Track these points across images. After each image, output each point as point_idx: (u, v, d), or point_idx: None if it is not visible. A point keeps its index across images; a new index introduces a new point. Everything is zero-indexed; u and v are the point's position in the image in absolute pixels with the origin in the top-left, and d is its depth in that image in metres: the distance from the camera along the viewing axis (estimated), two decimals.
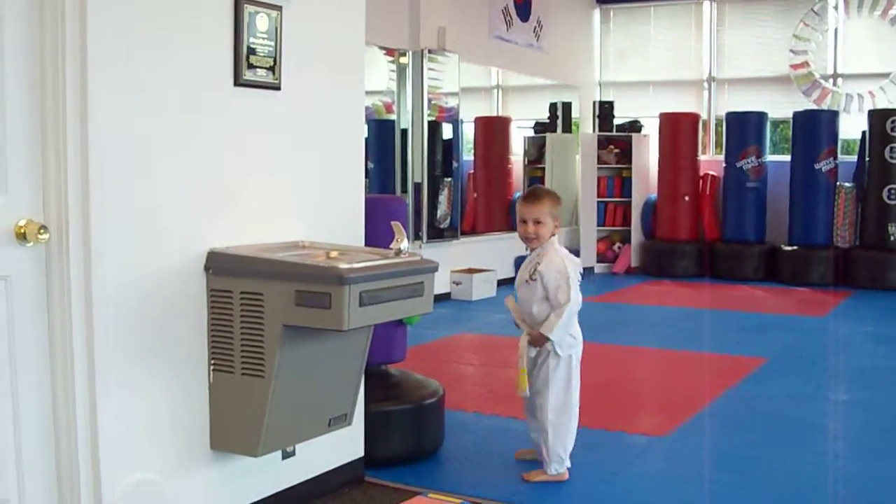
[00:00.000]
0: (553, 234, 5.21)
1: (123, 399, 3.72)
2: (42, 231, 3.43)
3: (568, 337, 5.12)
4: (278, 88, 4.37)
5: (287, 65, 4.39)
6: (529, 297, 5.16)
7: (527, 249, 5.34)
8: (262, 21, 4.22)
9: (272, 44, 4.29)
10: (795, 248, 13.92)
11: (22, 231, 3.41)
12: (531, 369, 5.19)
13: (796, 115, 14.11)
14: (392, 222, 4.18)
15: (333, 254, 4.14)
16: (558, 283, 5.06)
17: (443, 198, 12.17)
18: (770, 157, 14.58)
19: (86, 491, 3.64)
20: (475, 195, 14.87)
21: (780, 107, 14.76)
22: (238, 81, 4.16)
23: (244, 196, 4.24)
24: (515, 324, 5.28)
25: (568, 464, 5.21)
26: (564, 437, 5.16)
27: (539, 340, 5.08)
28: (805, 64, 14.62)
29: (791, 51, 14.69)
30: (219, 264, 4.03)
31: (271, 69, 4.31)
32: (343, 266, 3.78)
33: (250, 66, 4.19)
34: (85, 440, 3.62)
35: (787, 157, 14.32)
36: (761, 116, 14.45)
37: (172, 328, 3.93)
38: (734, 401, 7.06)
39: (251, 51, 4.18)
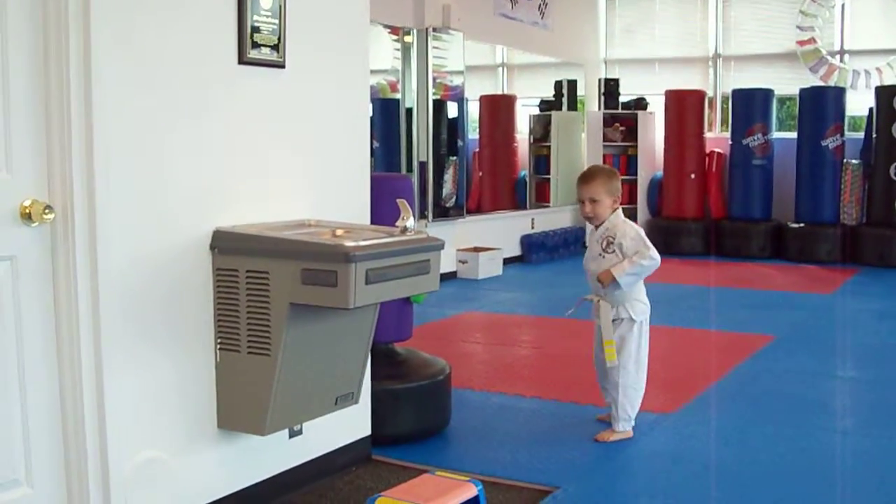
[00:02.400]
0: (615, 209, 5.50)
1: (130, 378, 3.72)
2: (47, 211, 3.42)
3: (640, 304, 5.54)
4: (283, 67, 4.36)
5: (291, 43, 4.38)
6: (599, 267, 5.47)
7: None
8: None
9: (276, 22, 4.27)
10: (802, 225, 13.91)
11: (27, 211, 3.41)
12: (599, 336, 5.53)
13: (803, 91, 14.07)
14: (398, 200, 4.16)
15: (339, 232, 4.13)
16: (637, 246, 5.43)
17: (448, 176, 12.16)
18: (776, 135, 14.55)
19: (93, 470, 3.64)
20: (480, 174, 14.85)
21: (787, 83, 14.73)
22: (242, 60, 4.14)
23: (249, 175, 4.23)
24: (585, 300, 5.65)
25: (633, 423, 5.57)
26: (633, 398, 5.56)
27: (606, 277, 5.40)
28: (812, 40, 14.57)
29: (798, 27, 14.64)
30: (224, 243, 4.02)
31: (275, 47, 4.29)
32: (349, 244, 3.77)
33: (254, 45, 4.18)
34: (92, 419, 3.62)
35: (794, 135, 14.29)
36: (767, 93, 14.42)
37: (178, 307, 3.93)
38: (741, 378, 7.06)
39: (255, 29, 4.16)
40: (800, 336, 8.66)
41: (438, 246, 4.23)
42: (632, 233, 5.47)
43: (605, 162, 15.00)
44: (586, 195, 5.48)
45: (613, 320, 5.48)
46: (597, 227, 5.55)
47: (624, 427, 5.51)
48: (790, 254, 13.92)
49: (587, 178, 5.55)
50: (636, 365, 5.54)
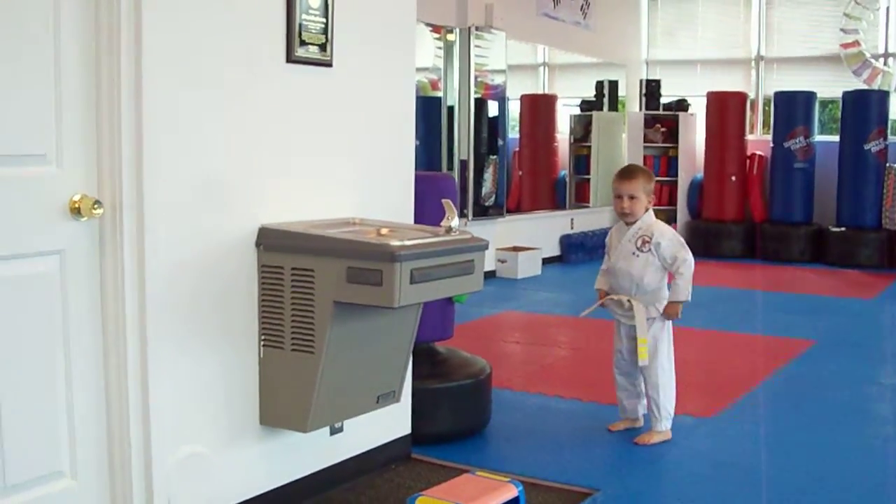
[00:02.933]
0: (648, 209, 5.51)
1: (174, 373, 3.74)
2: (96, 206, 3.44)
3: (667, 302, 5.53)
4: (330, 65, 4.37)
5: (339, 41, 4.38)
6: (643, 268, 5.49)
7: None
8: None
9: (324, 20, 4.29)
10: (843, 229, 13.80)
11: (76, 205, 3.43)
12: (630, 336, 5.56)
13: (846, 95, 13.98)
14: (443, 200, 4.16)
15: (384, 231, 4.13)
16: (676, 249, 5.46)
17: (488, 175, 12.15)
18: (818, 138, 14.44)
19: (137, 463, 3.67)
20: (520, 173, 14.84)
21: (830, 86, 14.64)
22: (290, 58, 4.16)
23: (295, 172, 4.25)
24: (600, 305, 5.68)
25: (671, 422, 5.60)
26: (671, 396, 5.59)
27: (674, 310, 5.52)
28: (856, 43, 14.46)
29: (841, 29, 14.53)
30: (270, 240, 4.03)
31: (323, 46, 4.30)
32: (394, 243, 3.77)
33: (302, 43, 4.19)
34: (136, 414, 3.64)
35: (836, 138, 14.20)
36: (810, 96, 14.33)
37: (223, 304, 3.95)
38: (782, 383, 7.03)
39: (303, 27, 4.17)
40: (841, 341, 8.61)
41: (483, 246, 4.23)
42: (669, 234, 5.52)
43: (645, 163, 14.97)
44: (626, 191, 5.48)
45: (647, 319, 5.49)
46: (628, 224, 5.54)
47: (666, 426, 5.52)
48: (831, 258, 13.82)
49: (628, 174, 5.58)
50: (669, 362, 5.58)
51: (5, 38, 3.19)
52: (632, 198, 5.46)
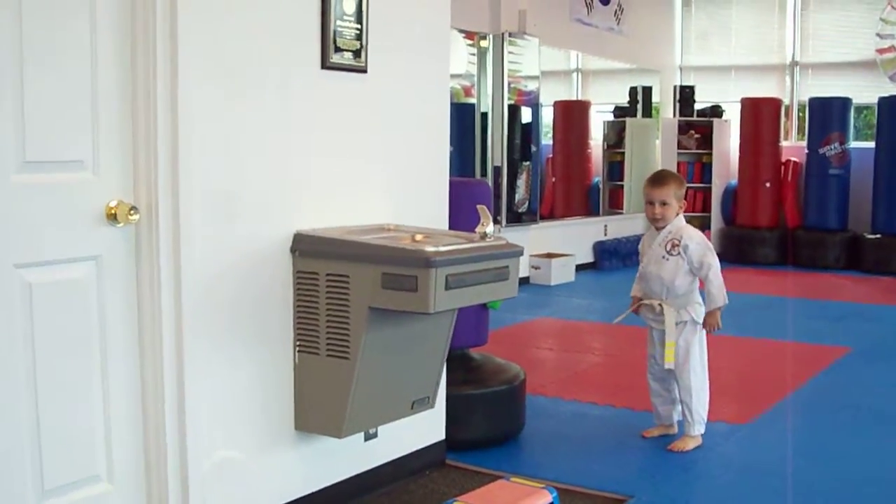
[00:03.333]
0: (678, 214, 5.54)
1: (210, 378, 3.76)
2: (132, 212, 3.47)
3: (699, 306, 5.56)
4: (364, 71, 4.38)
5: (373, 48, 4.40)
6: (673, 271, 5.50)
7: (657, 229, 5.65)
8: (349, 4, 4.23)
9: (358, 27, 4.30)
10: (879, 236, 13.71)
11: (113, 212, 3.45)
12: (663, 341, 5.55)
13: (881, 100, 13.87)
14: (478, 206, 4.16)
15: (419, 237, 4.14)
16: (703, 252, 5.47)
17: (521, 182, 12.15)
18: (854, 144, 14.34)
19: (172, 468, 3.68)
20: (554, 180, 14.81)
21: (865, 92, 14.55)
22: (325, 64, 4.17)
23: (330, 178, 4.26)
24: (633, 311, 5.71)
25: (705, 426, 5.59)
26: (705, 400, 5.58)
27: (714, 319, 5.56)
28: (892, 48, 14.36)
29: (877, 35, 14.43)
30: (305, 246, 4.05)
31: (357, 52, 4.32)
32: (429, 249, 3.78)
33: (337, 50, 4.20)
34: (172, 419, 3.66)
35: (872, 144, 14.09)
36: (845, 102, 14.24)
37: (259, 309, 3.96)
38: (817, 390, 7.00)
39: (338, 34, 4.19)
40: (877, 348, 8.55)
41: (517, 252, 4.22)
42: (697, 237, 5.52)
43: (678, 170, 14.92)
44: (658, 198, 5.51)
45: (677, 323, 5.48)
46: (658, 229, 5.56)
47: (699, 430, 5.51)
48: (866, 265, 13.73)
49: (660, 180, 5.60)
50: (702, 367, 5.57)
51: (42, 47, 3.22)
52: (664, 204, 5.49)
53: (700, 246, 5.47)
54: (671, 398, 5.68)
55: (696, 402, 5.49)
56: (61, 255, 3.35)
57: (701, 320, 5.53)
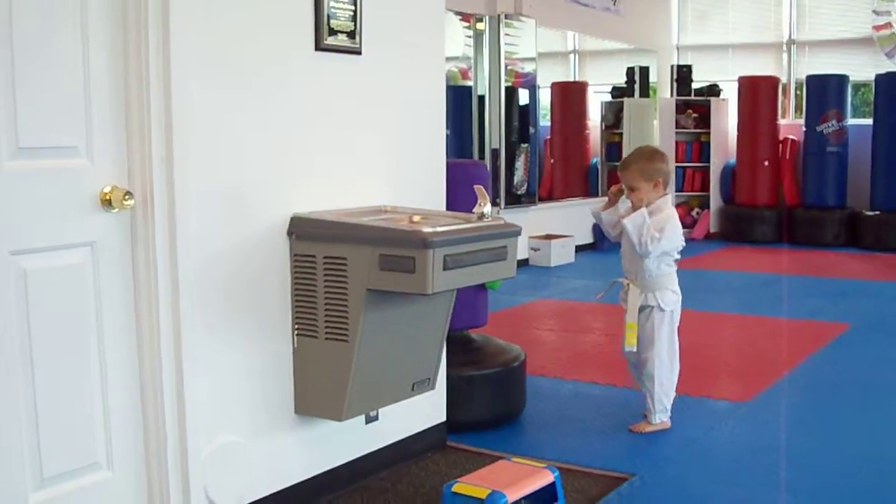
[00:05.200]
0: (662, 195, 5.37)
1: (209, 363, 3.75)
2: (127, 197, 3.45)
3: (670, 293, 5.41)
4: (359, 53, 4.36)
5: (367, 30, 4.38)
6: (632, 247, 5.33)
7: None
8: None
9: (352, 8, 4.28)
10: (877, 213, 13.72)
11: (107, 197, 3.43)
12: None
13: (879, 77, 13.87)
14: (475, 186, 4.15)
15: (416, 218, 4.12)
16: (660, 224, 5.24)
17: (520, 164, 12.15)
18: (851, 121, 14.33)
19: (172, 453, 3.67)
20: (552, 161, 14.80)
21: (862, 69, 14.53)
22: (319, 46, 4.15)
23: (326, 161, 4.25)
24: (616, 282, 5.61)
25: (669, 413, 5.48)
26: (669, 389, 5.46)
27: (614, 196, 5.44)
28: (888, 25, 14.32)
29: (874, 11, 14.39)
30: (302, 229, 4.04)
31: (352, 34, 4.30)
32: (427, 230, 3.77)
33: (331, 31, 4.18)
34: (171, 404, 3.65)
35: (869, 121, 14.09)
36: (842, 79, 14.24)
37: (257, 293, 3.95)
38: (817, 367, 6.99)
39: (331, 15, 4.17)
40: (876, 324, 8.55)
41: (516, 232, 4.21)
42: (664, 215, 5.31)
43: (676, 149, 14.94)
44: (626, 183, 5.35)
45: (642, 307, 5.40)
46: (636, 209, 5.37)
47: (660, 419, 5.44)
48: (865, 242, 13.74)
49: (623, 165, 5.43)
50: (669, 355, 5.44)
51: (34, 33, 3.20)
52: (632, 189, 5.32)
53: (659, 221, 5.26)
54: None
55: (658, 390, 5.40)
56: (56, 242, 3.33)
57: (670, 308, 5.41)
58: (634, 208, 5.32)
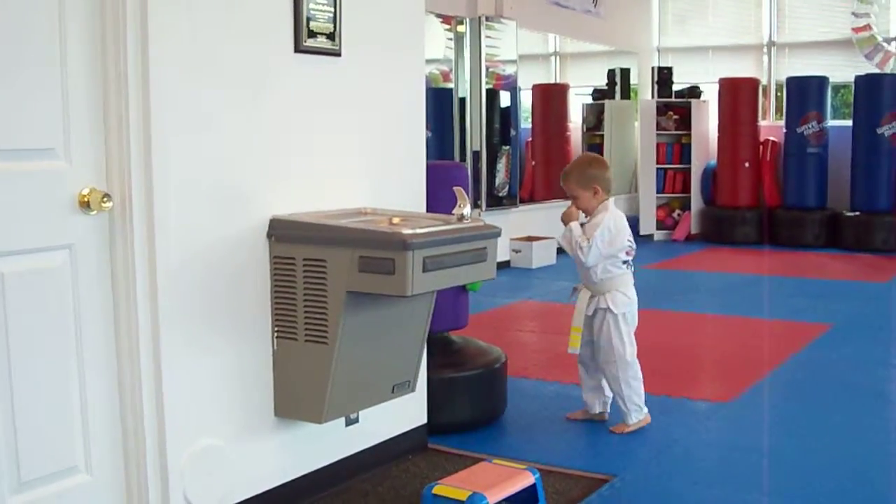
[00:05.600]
0: (602, 200, 5.38)
1: (187, 366, 3.74)
2: (105, 199, 3.44)
3: (621, 296, 5.35)
4: (339, 55, 4.36)
5: (347, 32, 4.37)
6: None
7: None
8: None
9: (332, 10, 4.27)
10: (858, 213, 13.74)
11: (85, 199, 3.42)
12: (588, 325, 5.42)
13: (858, 79, 13.90)
14: (454, 187, 4.16)
15: (396, 220, 4.12)
16: (592, 231, 5.27)
17: (501, 166, 12.14)
18: (831, 122, 14.36)
19: (151, 458, 3.66)
20: (533, 163, 14.81)
21: (842, 71, 14.57)
22: (298, 48, 4.15)
23: (306, 163, 4.24)
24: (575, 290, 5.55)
25: (645, 409, 5.46)
26: (637, 388, 5.41)
27: (567, 217, 5.45)
28: (867, 27, 14.37)
29: (853, 14, 14.43)
30: (281, 231, 4.03)
31: (331, 36, 4.29)
32: (406, 231, 3.76)
33: (311, 33, 4.17)
34: (150, 408, 3.64)
35: (849, 122, 14.11)
36: (822, 81, 14.27)
37: (236, 296, 3.94)
38: (798, 367, 7.00)
39: (311, 17, 4.16)
40: (857, 325, 8.57)
41: (495, 234, 4.22)
42: (597, 222, 5.30)
43: (658, 151, 14.96)
44: (567, 193, 5.44)
45: (596, 311, 5.37)
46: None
47: (637, 418, 5.43)
48: (845, 242, 13.76)
49: (563, 176, 5.49)
50: (626, 357, 5.35)
51: (10, 34, 3.18)
52: (574, 198, 5.39)
53: (592, 227, 5.29)
54: (592, 385, 5.59)
55: (626, 391, 5.37)
56: (34, 245, 3.32)
57: (621, 311, 5.34)
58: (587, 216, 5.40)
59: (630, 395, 5.38)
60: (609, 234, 5.29)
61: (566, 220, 5.40)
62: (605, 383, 5.55)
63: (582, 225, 5.38)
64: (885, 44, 14.35)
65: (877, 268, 12.13)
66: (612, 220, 5.33)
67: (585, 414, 5.64)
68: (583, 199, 5.36)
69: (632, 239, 5.44)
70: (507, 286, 10.53)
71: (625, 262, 5.38)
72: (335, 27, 4.30)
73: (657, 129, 15.15)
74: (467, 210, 4.09)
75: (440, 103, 11.69)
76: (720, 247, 14.14)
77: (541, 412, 5.85)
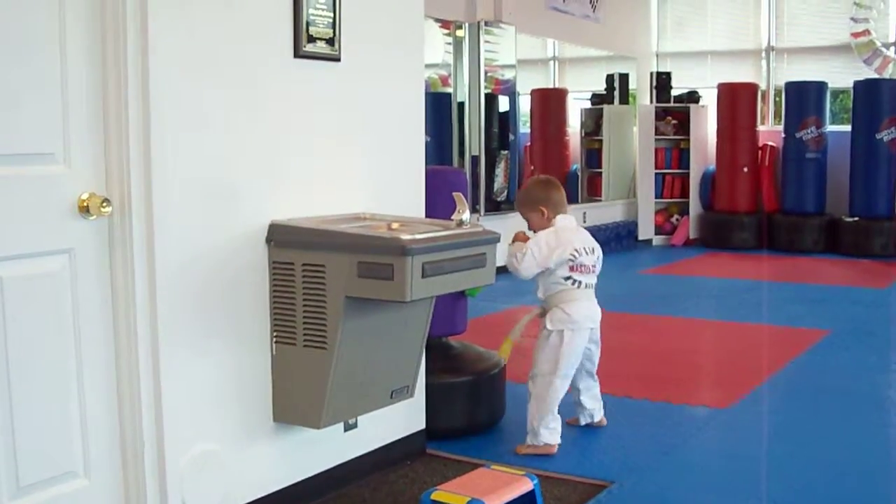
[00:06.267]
0: (552, 216, 5.37)
1: (187, 371, 3.73)
2: (105, 204, 3.43)
3: (560, 313, 5.23)
4: (338, 60, 4.35)
5: (347, 37, 4.37)
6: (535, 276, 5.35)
7: None
8: None
9: (331, 15, 4.27)
10: (856, 219, 13.73)
11: (85, 204, 3.42)
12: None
13: (857, 84, 13.91)
14: (454, 193, 4.15)
15: (395, 225, 4.12)
16: (522, 246, 5.31)
17: (500, 171, 12.14)
18: (830, 128, 14.36)
19: (150, 463, 3.66)
20: (532, 168, 14.80)
21: (841, 76, 14.58)
22: (298, 53, 4.14)
23: (305, 168, 4.24)
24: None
25: (551, 440, 5.18)
26: (543, 412, 5.18)
27: (517, 238, 5.46)
28: (866, 32, 14.37)
29: (852, 18, 14.43)
30: (280, 236, 4.02)
31: (331, 41, 4.29)
32: (405, 237, 3.76)
33: (310, 39, 4.17)
34: (149, 413, 3.64)
35: (848, 128, 14.12)
36: (821, 86, 14.27)
37: (235, 301, 3.94)
38: (797, 373, 7.00)
39: (311, 22, 4.16)
40: (855, 330, 8.56)
41: (494, 239, 4.22)
42: (539, 236, 5.31)
43: (656, 156, 14.98)
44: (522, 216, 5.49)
45: (542, 329, 5.28)
46: None
47: (531, 441, 5.21)
48: (844, 248, 13.74)
49: (516, 204, 5.66)
50: (546, 378, 5.21)
51: (11, 39, 3.18)
52: (527, 222, 5.47)
53: (534, 238, 5.32)
54: (593, 394, 5.58)
55: (532, 410, 5.22)
56: (33, 249, 3.32)
57: (557, 328, 5.20)
58: None
59: (533, 416, 5.21)
60: (546, 247, 5.23)
61: (512, 243, 5.38)
62: (597, 390, 5.56)
63: None
64: (883, 49, 14.35)
65: (875, 273, 12.14)
66: (551, 234, 5.27)
67: (576, 420, 5.59)
68: (533, 221, 5.41)
69: (581, 254, 5.29)
70: (506, 291, 10.44)
71: (568, 279, 5.25)
72: (335, 32, 4.30)
73: (656, 134, 15.15)
74: (466, 215, 4.09)
75: (439, 108, 11.68)
76: (719, 252, 14.14)
77: None
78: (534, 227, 5.39)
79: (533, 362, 5.32)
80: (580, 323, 5.24)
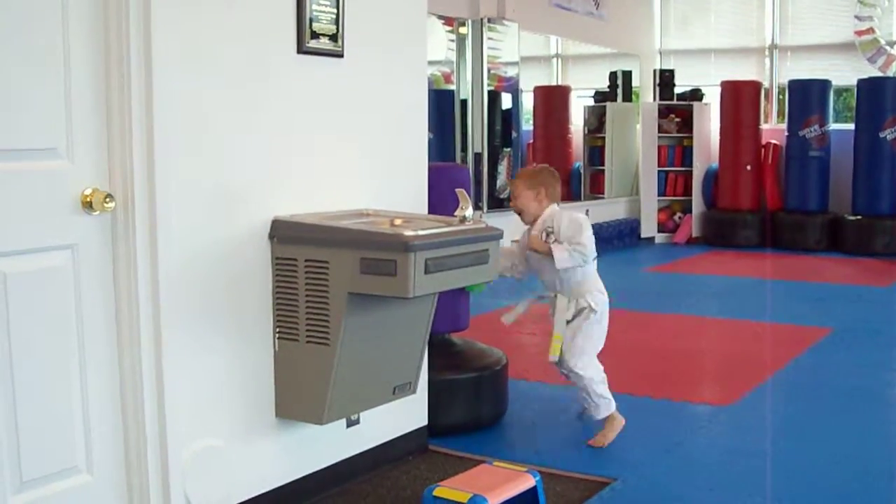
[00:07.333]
0: (545, 204, 5.33)
1: (189, 367, 3.74)
2: (108, 200, 3.44)
3: (599, 294, 5.29)
4: (341, 56, 4.35)
5: (350, 33, 4.37)
6: (551, 261, 5.20)
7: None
8: None
9: (335, 11, 4.27)
10: (859, 217, 13.73)
11: (88, 200, 3.42)
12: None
13: (861, 82, 13.90)
14: (457, 189, 4.16)
15: (398, 221, 4.13)
16: (574, 230, 5.18)
17: (503, 168, 12.14)
18: (833, 126, 14.35)
19: (152, 458, 3.66)
20: (535, 165, 14.80)
21: (844, 74, 14.57)
22: (301, 49, 4.15)
23: (308, 164, 4.24)
24: (539, 297, 5.58)
25: (614, 403, 5.31)
26: (602, 391, 5.26)
27: (541, 246, 5.25)
28: (870, 30, 14.38)
29: (856, 17, 14.44)
30: (283, 232, 4.03)
31: (334, 37, 4.29)
32: (408, 233, 3.76)
33: (313, 35, 4.17)
34: (151, 408, 3.64)
35: (851, 126, 14.11)
36: (825, 84, 14.26)
37: (237, 296, 3.94)
38: (799, 370, 7.00)
39: (314, 18, 4.16)
40: (858, 329, 8.56)
41: (497, 235, 4.22)
42: (567, 218, 5.25)
43: (659, 153, 14.95)
44: (512, 193, 5.46)
45: (579, 311, 5.27)
46: (527, 224, 5.44)
47: (606, 411, 5.29)
48: (847, 246, 13.74)
49: (514, 177, 5.59)
50: (592, 355, 5.29)
51: (14, 34, 3.18)
52: (515, 197, 5.38)
53: (572, 224, 5.21)
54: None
55: (598, 388, 5.25)
56: (37, 245, 3.32)
57: (599, 309, 5.26)
58: (524, 220, 5.48)
59: (596, 388, 5.25)
60: (588, 226, 5.26)
61: (539, 248, 5.28)
62: None
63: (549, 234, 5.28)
64: (888, 47, 14.35)
65: (878, 272, 12.13)
66: (569, 216, 5.28)
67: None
68: (522, 199, 5.32)
69: None
70: (508, 288, 10.45)
71: (596, 257, 5.33)
72: (338, 28, 4.30)
73: (659, 132, 15.13)
74: (469, 212, 4.09)
75: (442, 105, 11.69)
76: (721, 250, 14.13)
77: (542, 414, 5.85)
78: (520, 203, 5.34)
79: (574, 352, 5.25)
80: (608, 299, 5.34)
